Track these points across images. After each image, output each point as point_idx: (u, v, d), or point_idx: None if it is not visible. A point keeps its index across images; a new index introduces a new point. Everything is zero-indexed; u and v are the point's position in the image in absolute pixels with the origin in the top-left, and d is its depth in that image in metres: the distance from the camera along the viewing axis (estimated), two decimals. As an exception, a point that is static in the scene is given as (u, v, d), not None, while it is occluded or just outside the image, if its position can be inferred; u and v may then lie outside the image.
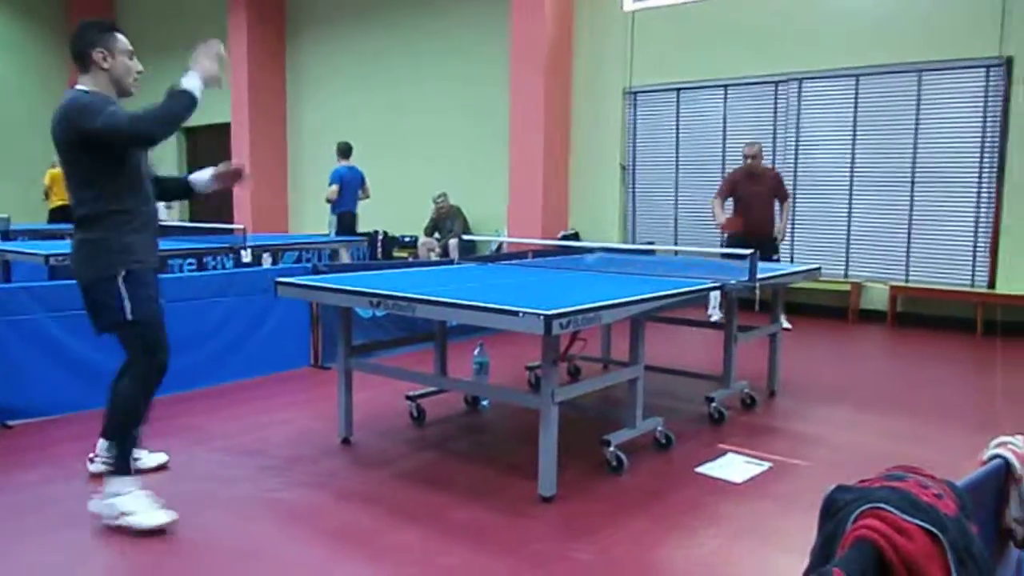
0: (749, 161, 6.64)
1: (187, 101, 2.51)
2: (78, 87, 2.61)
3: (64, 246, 6.00)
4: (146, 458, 3.10)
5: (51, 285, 3.96)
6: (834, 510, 1.13)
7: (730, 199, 6.81)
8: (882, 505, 1.07)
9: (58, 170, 11.41)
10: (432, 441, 3.61)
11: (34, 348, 3.75)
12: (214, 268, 6.20)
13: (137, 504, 2.58)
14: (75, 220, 2.63)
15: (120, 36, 2.65)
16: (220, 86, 2.67)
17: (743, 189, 6.67)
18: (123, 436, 2.62)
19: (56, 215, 11.21)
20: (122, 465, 2.62)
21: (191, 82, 2.53)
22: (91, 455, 3.03)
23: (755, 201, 6.63)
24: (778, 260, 6.52)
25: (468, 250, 5.20)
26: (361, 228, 10.05)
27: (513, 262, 4.74)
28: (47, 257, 4.80)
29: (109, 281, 2.57)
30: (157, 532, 2.53)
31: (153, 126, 2.47)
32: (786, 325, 6.34)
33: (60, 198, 11.31)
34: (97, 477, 2.90)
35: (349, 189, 8.37)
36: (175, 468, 3.16)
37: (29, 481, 3.03)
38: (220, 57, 2.62)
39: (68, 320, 3.82)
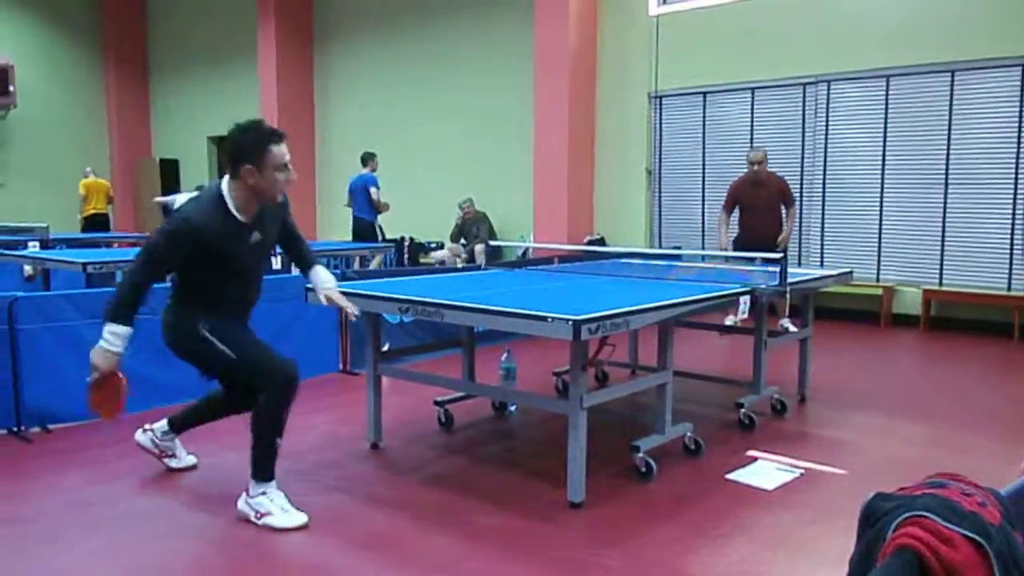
0: (754, 168, 6.37)
1: (108, 316, 2.59)
2: (220, 186, 2.69)
3: (100, 254, 6.13)
4: (184, 458, 3.21)
5: (90, 293, 4.06)
6: (874, 518, 1.11)
7: (737, 210, 6.59)
8: (924, 513, 1.05)
9: (92, 179, 11.71)
10: (460, 446, 3.62)
11: (74, 354, 3.82)
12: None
13: (276, 505, 2.68)
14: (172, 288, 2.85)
15: (275, 150, 2.63)
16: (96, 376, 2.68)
17: (746, 198, 6.45)
18: (266, 445, 2.72)
19: (89, 224, 11.47)
20: (265, 472, 2.72)
21: (98, 346, 2.60)
22: (146, 426, 3.18)
23: (758, 209, 6.39)
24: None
25: (494, 256, 5.21)
26: (387, 234, 10.16)
27: (540, 268, 4.74)
28: (85, 265, 4.92)
29: (196, 339, 2.74)
30: (296, 530, 2.64)
31: (121, 283, 2.72)
32: (792, 328, 6.18)
33: (93, 207, 11.58)
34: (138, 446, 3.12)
35: (355, 197, 8.77)
36: (207, 470, 3.20)
37: (69, 484, 3.09)
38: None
39: (105, 326, 3.91)
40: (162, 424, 3.15)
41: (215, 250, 2.64)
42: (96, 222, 11.48)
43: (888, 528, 1.07)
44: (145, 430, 3.17)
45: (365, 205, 8.70)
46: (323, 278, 3.02)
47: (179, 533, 2.67)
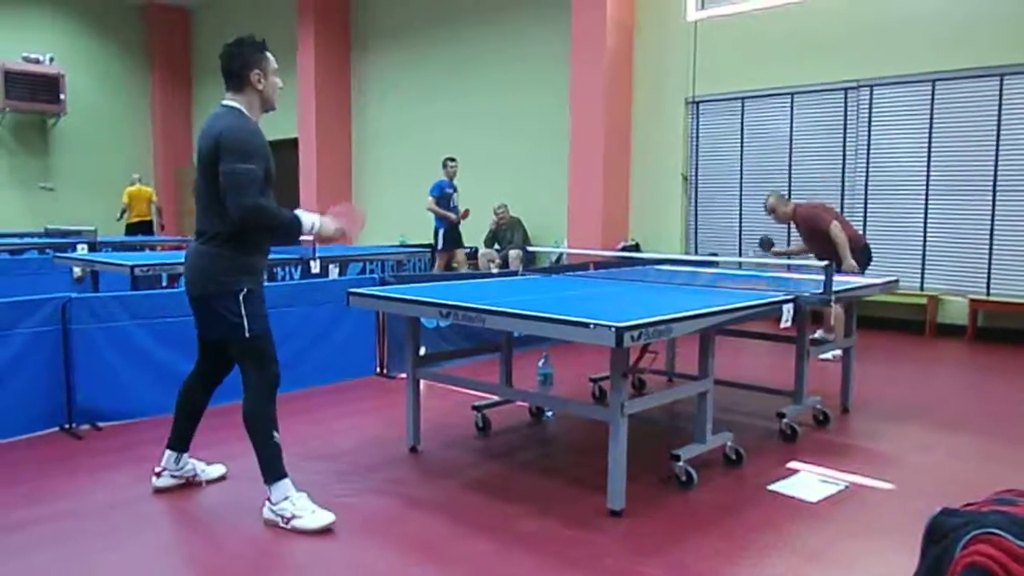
0: (772, 216, 6.12)
1: (296, 228, 2.72)
2: (232, 104, 2.72)
3: (146, 257, 6.28)
4: (209, 469, 3.13)
5: (140, 295, 4.17)
6: (940, 535, 1.08)
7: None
8: (994, 530, 1.02)
9: (136, 187, 11.99)
10: (498, 451, 3.62)
11: (122, 354, 3.94)
12: (283, 279, 6.38)
13: (302, 508, 2.68)
14: (199, 233, 2.73)
15: (270, 56, 2.76)
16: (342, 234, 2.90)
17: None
18: (265, 444, 2.71)
19: (132, 230, 11.75)
20: (276, 471, 2.71)
21: (309, 219, 2.74)
22: (157, 469, 3.06)
23: (807, 245, 6.07)
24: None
25: (528, 261, 5.22)
26: (421, 240, 10.23)
27: (576, 273, 4.73)
28: (132, 268, 5.04)
29: (230, 297, 2.68)
30: (324, 532, 2.64)
31: (259, 221, 2.63)
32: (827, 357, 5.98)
33: (138, 214, 11.86)
34: (163, 491, 3.01)
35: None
36: (249, 471, 3.23)
37: (119, 481, 3.16)
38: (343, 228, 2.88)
39: (155, 328, 4.02)
40: (166, 455, 3.02)
41: (269, 168, 2.68)
42: (140, 230, 11.76)
43: (957, 546, 1.04)
44: (158, 474, 3.02)
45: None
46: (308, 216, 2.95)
47: (222, 533, 2.71)
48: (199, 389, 3.00)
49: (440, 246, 8.67)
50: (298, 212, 2.73)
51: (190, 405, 3.02)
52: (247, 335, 2.70)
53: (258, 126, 2.76)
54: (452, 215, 8.58)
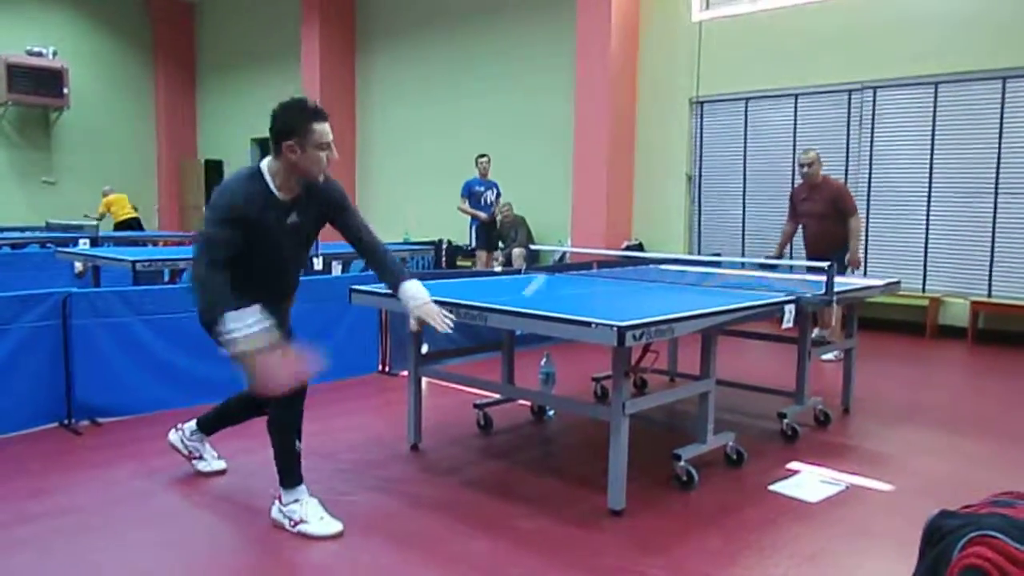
0: (804, 170, 5.85)
1: (216, 321, 2.34)
2: (257, 166, 2.58)
3: (148, 252, 6.29)
4: (212, 462, 3.19)
5: (141, 290, 4.17)
6: (938, 536, 1.09)
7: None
8: (992, 532, 1.02)
9: (113, 196, 11.87)
10: (499, 450, 3.63)
11: (124, 350, 3.95)
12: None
13: (311, 513, 2.65)
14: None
15: (317, 128, 2.52)
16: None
17: (800, 205, 5.97)
18: (288, 451, 2.69)
19: (122, 228, 11.68)
20: (291, 477, 2.69)
21: (235, 325, 2.32)
22: (178, 426, 3.18)
23: (810, 217, 5.87)
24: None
25: (531, 260, 5.22)
26: (425, 237, 10.22)
27: (580, 272, 4.74)
28: (134, 263, 5.05)
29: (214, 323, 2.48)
30: (332, 539, 2.61)
31: (194, 290, 2.42)
32: (829, 357, 5.96)
33: (125, 213, 11.76)
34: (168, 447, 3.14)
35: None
36: (251, 468, 3.25)
37: (117, 477, 3.17)
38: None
39: (155, 324, 4.02)
40: (191, 424, 3.13)
41: (253, 225, 2.48)
42: (129, 226, 11.72)
43: (954, 548, 1.04)
44: (177, 428, 3.17)
45: (476, 207, 8.56)
46: (411, 294, 2.72)
47: (219, 530, 2.72)
48: (247, 403, 2.98)
49: (474, 245, 8.61)
50: (233, 313, 2.32)
51: (232, 407, 3.07)
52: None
53: (264, 189, 2.54)
54: (482, 214, 8.48)
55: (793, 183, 7.72)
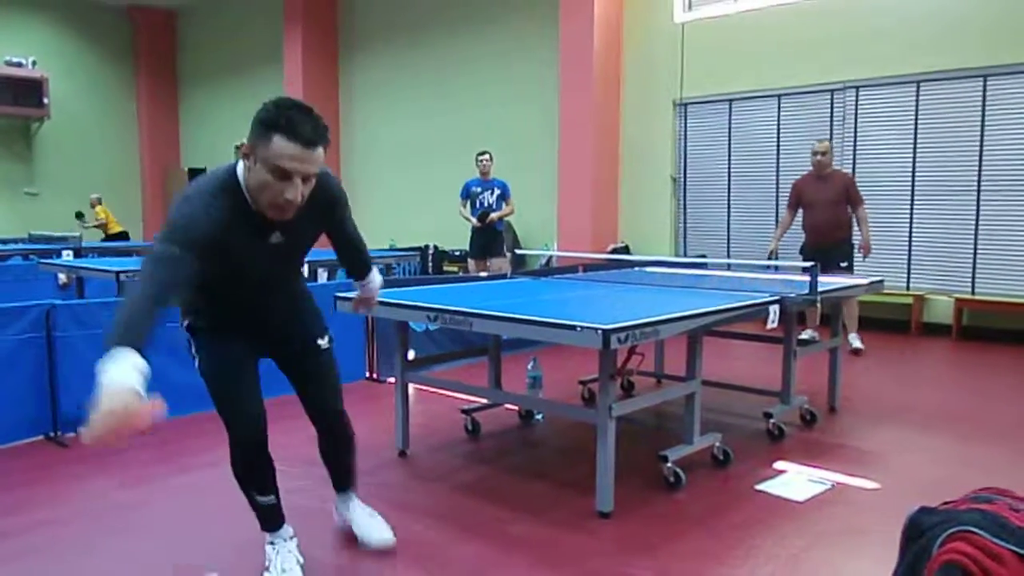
0: (818, 158, 6.03)
1: (106, 344, 1.79)
2: (239, 169, 2.02)
3: (132, 263, 6.23)
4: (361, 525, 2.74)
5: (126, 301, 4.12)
6: (918, 532, 1.09)
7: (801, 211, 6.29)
8: (971, 528, 1.03)
9: (103, 206, 11.76)
10: (487, 455, 3.62)
11: (107, 361, 3.90)
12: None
13: (280, 562, 2.40)
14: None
15: (277, 142, 1.89)
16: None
17: (809, 194, 6.12)
18: (248, 499, 2.38)
19: (114, 240, 11.61)
20: (260, 522, 2.44)
21: (106, 373, 1.73)
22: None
23: (821, 206, 6.05)
24: (848, 268, 6.03)
25: (517, 264, 5.22)
26: (412, 243, 10.19)
27: (565, 276, 4.74)
28: (118, 274, 5.00)
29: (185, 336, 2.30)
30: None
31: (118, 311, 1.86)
32: (858, 345, 6.07)
33: (114, 227, 11.69)
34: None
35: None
36: (225, 480, 3.23)
37: (102, 488, 3.15)
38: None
39: (138, 334, 3.97)
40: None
41: (219, 249, 1.95)
42: (120, 238, 11.65)
43: (934, 543, 1.05)
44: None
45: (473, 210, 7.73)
46: (370, 281, 2.69)
47: (207, 538, 2.70)
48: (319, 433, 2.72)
49: (470, 252, 7.81)
50: (111, 363, 1.74)
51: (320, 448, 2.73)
52: (204, 379, 2.27)
53: (240, 203, 2.00)
54: (472, 218, 7.57)
55: (778, 182, 7.79)
